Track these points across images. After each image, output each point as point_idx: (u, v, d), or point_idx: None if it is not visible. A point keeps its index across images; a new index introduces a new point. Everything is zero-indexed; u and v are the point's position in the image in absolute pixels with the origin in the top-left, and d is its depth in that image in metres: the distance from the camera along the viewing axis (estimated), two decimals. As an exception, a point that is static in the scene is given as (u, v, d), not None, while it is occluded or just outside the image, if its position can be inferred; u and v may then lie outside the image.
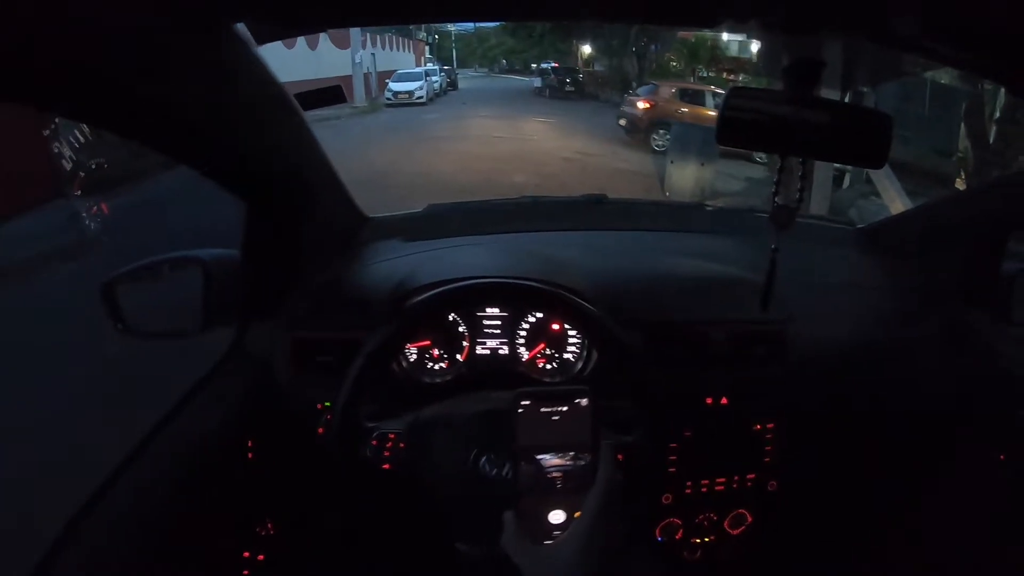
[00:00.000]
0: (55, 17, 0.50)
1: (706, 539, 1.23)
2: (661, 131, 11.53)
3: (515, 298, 1.10)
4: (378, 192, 6.42)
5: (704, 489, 1.18)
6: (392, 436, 0.96)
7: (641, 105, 12.55)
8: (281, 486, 1.14)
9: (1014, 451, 1.17)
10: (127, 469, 0.91)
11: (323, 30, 0.91)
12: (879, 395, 1.21)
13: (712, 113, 11.74)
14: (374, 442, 0.96)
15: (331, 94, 1.05)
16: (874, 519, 1.28)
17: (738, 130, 0.84)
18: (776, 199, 0.92)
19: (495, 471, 0.93)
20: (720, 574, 1.28)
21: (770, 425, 1.17)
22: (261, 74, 0.81)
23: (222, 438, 1.05)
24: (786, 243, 0.91)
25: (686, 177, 7.96)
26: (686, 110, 12.33)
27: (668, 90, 13.11)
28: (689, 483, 1.17)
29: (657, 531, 1.20)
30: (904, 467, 1.25)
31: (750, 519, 1.23)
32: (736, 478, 1.19)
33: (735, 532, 1.23)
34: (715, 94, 12.99)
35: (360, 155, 9.48)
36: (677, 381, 1.11)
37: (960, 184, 7.27)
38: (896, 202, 5.39)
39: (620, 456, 0.94)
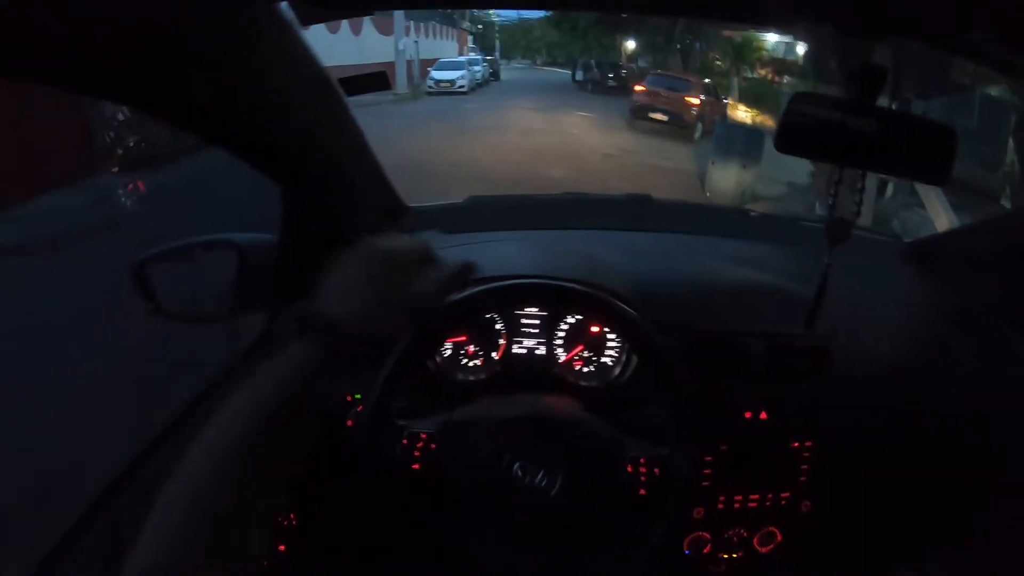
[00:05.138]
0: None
1: (734, 555, 1.20)
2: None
3: (555, 299, 1.08)
4: (418, 181, 6.47)
5: (736, 505, 1.15)
6: (424, 436, 0.95)
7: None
8: (305, 478, 1.13)
9: None
10: (152, 452, 0.93)
11: (368, 13, 0.89)
12: (921, 417, 1.18)
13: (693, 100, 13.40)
14: (404, 441, 0.94)
15: (376, 80, 1.04)
16: (909, 546, 1.26)
17: (799, 137, 0.83)
18: (832, 212, 0.90)
19: (528, 478, 0.91)
20: None
21: (808, 443, 1.14)
22: (304, 56, 0.80)
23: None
24: (835, 255, 0.90)
25: (727, 179, 7.86)
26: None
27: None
28: (722, 498, 1.15)
29: (685, 544, 1.17)
30: (942, 493, 1.22)
31: (780, 538, 1.20)
32: (769, 496, 1.16)
33: (764, 550, 1.20)
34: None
35: (401, 142, 9.52)
36: (716, 393, 1.10)
37: (1006, 200, 7.05)
38: (941, 215, 5.26)
39: (656, 470, 0.94)
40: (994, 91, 7.71)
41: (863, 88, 0.79)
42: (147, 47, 0.61)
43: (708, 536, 1.17)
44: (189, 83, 0.70)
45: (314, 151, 1.02)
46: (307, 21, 0.78)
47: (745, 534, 1.18)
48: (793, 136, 0.83)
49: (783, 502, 1.17)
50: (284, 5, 0.72)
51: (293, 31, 0.75)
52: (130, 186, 6.19)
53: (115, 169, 6.64)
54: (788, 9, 0.73)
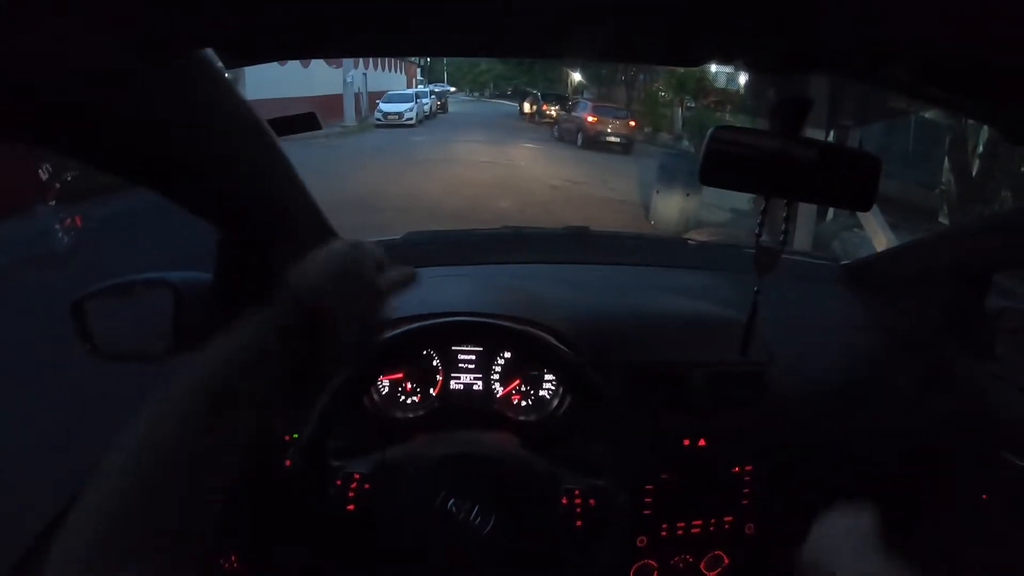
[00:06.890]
0: (15, 50, 0.48)
1: None
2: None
3: (489, 336, 1.08)
4: (365, 214, 6.45)
5: (680, 531, 1.15)
6: (357, 476, 0.94)
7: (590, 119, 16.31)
8: (246, 519, 1.10)
9: (997, 492, 1.16)
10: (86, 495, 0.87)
11: (291, 59, 0.90)
12: (861, 437, 1.20)
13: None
14: (338, 482, 0.94)
15: (305, 121, 1.03)
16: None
17: (723, 169, 0.83)
18: (759, 240, 0.90)
19: (462, 515, 0.90)
20: None
21: (748, 468, 1.15)
22: (232, 99, 0.78)
23: None
24: (769, 282, 0.89)
25: (671, 207, 8.03)
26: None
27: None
28: (665, 525, 1.14)
29: (632, 572, 1.15)
30: (885, 510, 1.23)
31: (727, 561, 1.19)
32: (713, 521, 1.16)
33: (711, 574, 1.19)
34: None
35: (348, 176, 9.49)
36: (655, 423, 1.11)
37: (943, 218, 7.40)
38: (879, 235, 5.43)
39: (592, 501, 0.92)
40: (930, 114, 8.14)
41: (785, 119, 0.79)
42: (72, 95, 0.58)
43: (654, 563, 1.15)
44: (116, 129, 0.67)
45: (248, 193, 0.98)
46: (231, 65, 0.76)
47: (691, 559, 1.17)
48: (716, 168, 0.82)
49: (727, 526, 1.16)
50: (209, 51, 0.68)
51: (220, 75, 0.72)
52: (67, 220, 5.94)
53: (52, 203, 6.34)
54: (700, 50, 0.72)
